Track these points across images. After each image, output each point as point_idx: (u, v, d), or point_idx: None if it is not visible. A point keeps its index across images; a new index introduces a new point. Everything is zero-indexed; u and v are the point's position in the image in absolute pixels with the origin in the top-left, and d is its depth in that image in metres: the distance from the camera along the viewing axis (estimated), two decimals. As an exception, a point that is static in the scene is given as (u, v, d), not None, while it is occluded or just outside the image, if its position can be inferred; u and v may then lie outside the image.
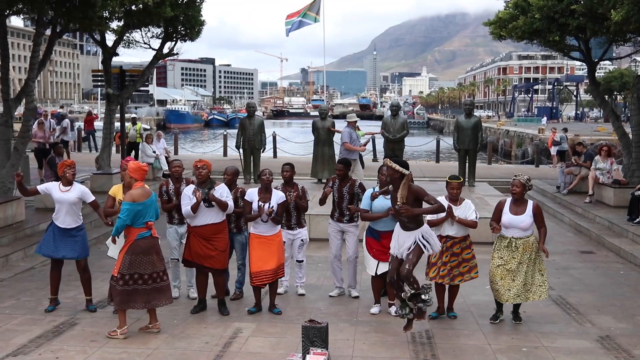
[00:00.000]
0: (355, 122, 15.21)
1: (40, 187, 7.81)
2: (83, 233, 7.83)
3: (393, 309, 7.49)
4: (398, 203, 6.58)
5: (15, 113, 13.99)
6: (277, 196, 7.75)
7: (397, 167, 6.55)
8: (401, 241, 6.76)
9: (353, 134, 14.62)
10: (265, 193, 7.71)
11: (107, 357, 6.32)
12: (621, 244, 11.43)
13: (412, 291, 6.61)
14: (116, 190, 7.77)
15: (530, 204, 7.27)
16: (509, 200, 7.36)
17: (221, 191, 7.54)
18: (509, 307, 7.52)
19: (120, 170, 8.19)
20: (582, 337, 7.03)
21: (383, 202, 7.45)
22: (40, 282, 9.00)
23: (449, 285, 7.55)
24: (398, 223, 6.86)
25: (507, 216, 7.23)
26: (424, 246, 6.69)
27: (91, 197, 7.76)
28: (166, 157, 18.83)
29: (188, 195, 7.43)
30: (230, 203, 7.56)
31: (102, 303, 8.02)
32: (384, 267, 7.36)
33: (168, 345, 6.64)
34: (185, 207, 7.43)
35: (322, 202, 8.28)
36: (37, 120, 18.12)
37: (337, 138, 15.75)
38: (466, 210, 7.41)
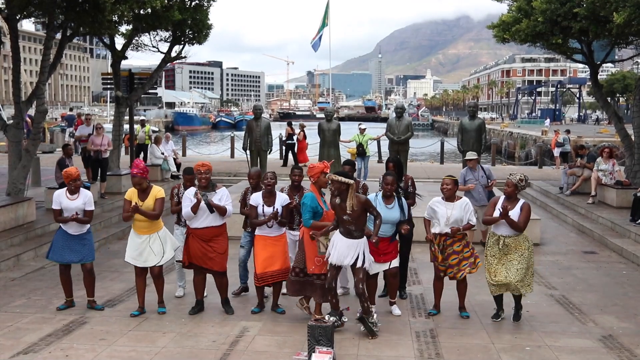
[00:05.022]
0: (472, 160, 12.37)
1: (54, 206, 7.69)
2: (90, 237, 7.89)
3: (395, 309, 7.68)
4: (348, 211, 6.83)
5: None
6: (281, 199, 7.79)
7: (342, 179, 6.84)
8: (344, 251, 6.91)
9: (468, 174, 12.31)
10: (269, 196, 7.75)
11: (116, 355, 6.39)
12: (624, 245, 11.49)
13: (363, 314, 6.94)
14: (131, 193, 7.69)
15: (520, 202, 7.39)
16: (502, 197, 7.49)
17: (221, 195, 7.55)
18: (510, 305, 7.58)
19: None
20: (585, 336, 7.08)
21: (387, 211, 7.42)
22: (51, 281, 9.13)
23: (456, 282, 7.64)
24: (338, 231, 7.03)
25: (498, 212, 7.33)
26: (364, 259, 6.94)
27: (90, 207, 7.73)
28: (174, 159, 19.02)
29: (189, 197, 7.44)
30: (229, 208, 7.54)
31: (111, 302, 8.14)
32: (377, 267, 7.46)
33: (176, 344, 6.71)
34: (186, 209, 7.44)
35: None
36: (94, 125, 17.08)
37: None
38: (463, 210, 7.47)
